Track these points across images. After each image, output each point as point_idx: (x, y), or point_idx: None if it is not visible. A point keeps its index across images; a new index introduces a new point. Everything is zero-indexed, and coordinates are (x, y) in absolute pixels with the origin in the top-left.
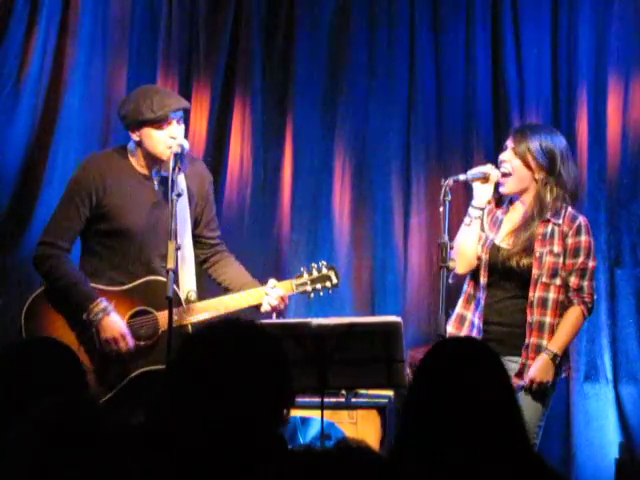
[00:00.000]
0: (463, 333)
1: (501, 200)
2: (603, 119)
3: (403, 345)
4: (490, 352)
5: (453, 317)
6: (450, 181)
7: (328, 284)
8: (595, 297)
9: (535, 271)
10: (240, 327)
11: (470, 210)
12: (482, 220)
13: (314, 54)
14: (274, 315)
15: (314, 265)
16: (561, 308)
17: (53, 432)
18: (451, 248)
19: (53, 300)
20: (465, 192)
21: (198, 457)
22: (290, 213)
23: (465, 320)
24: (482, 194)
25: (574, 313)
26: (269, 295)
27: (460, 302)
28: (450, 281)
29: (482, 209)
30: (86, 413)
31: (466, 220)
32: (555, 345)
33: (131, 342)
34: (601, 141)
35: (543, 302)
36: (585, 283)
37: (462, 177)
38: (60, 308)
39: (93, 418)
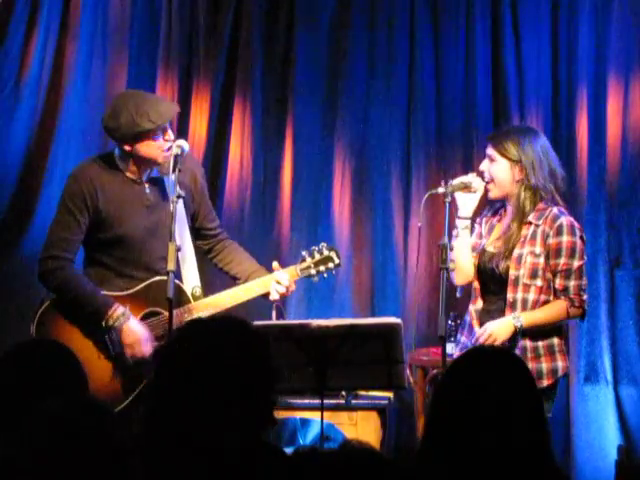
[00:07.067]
0: (468, 340)
1: (498, 210)
2: (603, 119)
3: (403, 346)
4: (521, 365)
5: (466, 326)
6: (427, 196)
7: (331, 265)
8: (585, 297)
9: (512, 272)
10: (224, 323)
11: (457, 222)
12: (481, 230)
13: (314, 54)
14: (273, 316)
15: (315, 248)
16: None
17: (57, 432)
18: (451, 249)
19: (64, 311)
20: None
21: (177, 456)
22: (290, 213)
23: (472, 327)
24: (466, 204)
25: (557, 303)
26: (277, 283)
27: (467, 311)
28: (458, 295)
29: (468, 219)
30: (90, 414)
31: (454, 232)
32: (525, 316)
33: (151, 346)
34: (601, 141)
35: (524, 303)
36: (571, 283)
37: (441, 190)
38: (73, 319)
39: (97, 419)
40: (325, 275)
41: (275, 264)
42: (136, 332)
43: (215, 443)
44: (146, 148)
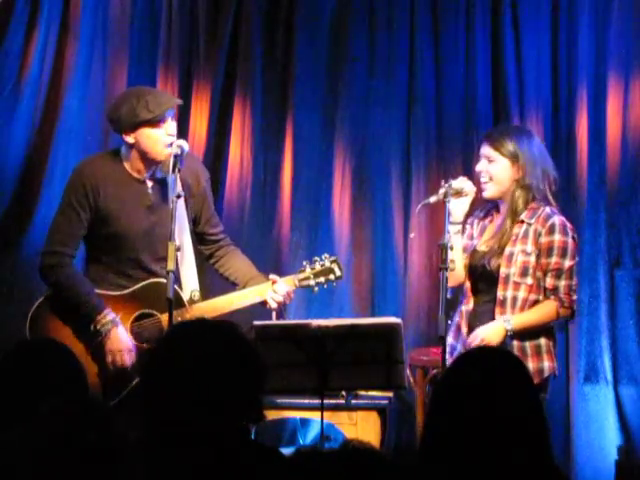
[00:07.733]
0: (456, 341)
1: (490, 211)
2: (603, 119)
3: (403, 346)
4: (521, 365)
5: (453, 327)
6: (419, 207)
7: (332, 277)
8: (574, 297)
9: (503, 270)
10: (210, 326)
11: (448, 227)
12: (472, 231)
13: (314, 54)
14: (273, 316)
15: (317, 259)
16: (531, 307)
17: (57, 432)
18: (451, 249)
19: (58, 307)
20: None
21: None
22: (290, 213)
23: (460, 328)
24: (457, 209)
25: (546, 304)
26: (274, 292)
27: (457, 312)
28: (448, 296)
29: (460, 223)
30: (92, 414)
31: (446, 237)
32: (514, 319)
33: (133, 357)
34: (601, 141)
35: (514, 301)
36: (561, 283)
37: (433, 199)
38: (66, 315)
39: (99, 419)
40: (325, 287)
41: (272, 275)
42: (121, 340)
43: (206, 441)
44: (146, 139)
